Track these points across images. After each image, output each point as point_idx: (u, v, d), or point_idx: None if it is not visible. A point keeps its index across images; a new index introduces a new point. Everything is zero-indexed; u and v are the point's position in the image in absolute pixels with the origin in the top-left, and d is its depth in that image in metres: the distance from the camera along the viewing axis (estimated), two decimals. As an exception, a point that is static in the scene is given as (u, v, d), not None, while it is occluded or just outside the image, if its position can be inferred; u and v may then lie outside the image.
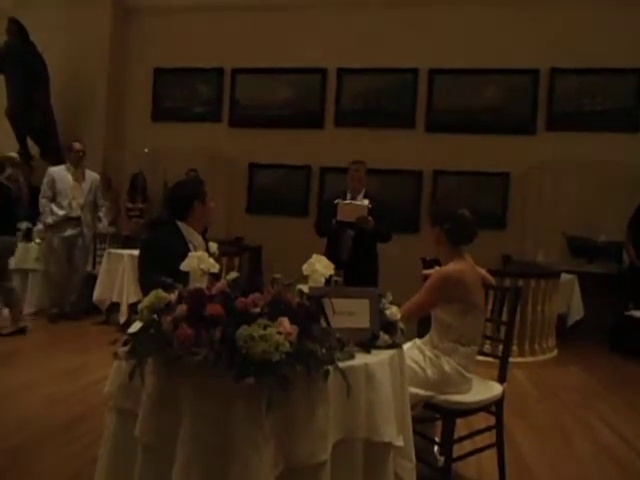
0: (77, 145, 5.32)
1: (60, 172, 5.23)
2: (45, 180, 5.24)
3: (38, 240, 5.54)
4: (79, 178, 5.29)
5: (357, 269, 3.69)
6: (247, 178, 6.87)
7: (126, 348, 1.44)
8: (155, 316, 1.46)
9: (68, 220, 5.20)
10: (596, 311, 5.45)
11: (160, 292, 1.52)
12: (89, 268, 5.59)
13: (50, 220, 5.17)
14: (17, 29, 6.43)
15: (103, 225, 5.58)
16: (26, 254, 5.53)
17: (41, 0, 6.79)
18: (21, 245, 5.57)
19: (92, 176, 5.44)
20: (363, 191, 4.11)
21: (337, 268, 1.87)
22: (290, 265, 2.08)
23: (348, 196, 4.08)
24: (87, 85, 6.86)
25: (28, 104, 6.46)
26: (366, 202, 3.93)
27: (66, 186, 5.19)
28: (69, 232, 5.22)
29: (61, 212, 5.16)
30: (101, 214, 5.51)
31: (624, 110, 5.99)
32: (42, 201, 5.21)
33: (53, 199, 5.18)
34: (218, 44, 6.81)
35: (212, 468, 1.34)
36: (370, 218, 3.85)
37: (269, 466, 1.32)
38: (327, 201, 4.42)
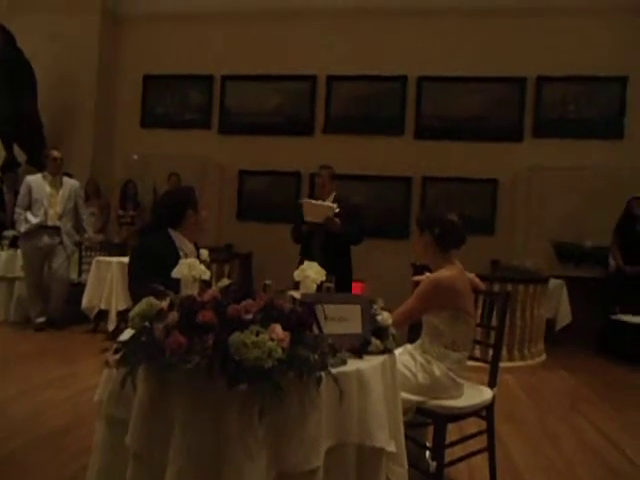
0: (55, 153, 5.18)
1: (37, 180, 5.13)
2: (22, 188, 5.16)
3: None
4: (57, 186, 5.17)
5: (328, 273, 3.69)
6: (237, 185, 6.87)
7: (117, 356, 1.44)
8: (147, 323, 1.46)
9: (44, 229, 5.06)
10: (583, 315, 5.52)
11: (152, 299, 1.51)
12: (74, 276, 5.51)
13: (23, 229, 5.06)
14: (4, 35, 6.37)
15: (89, 235, 5.48)
16: (12, 262, 5.45)
17: (31, 7, 6.77)
18: (7, 253, 5.52)
19: (70, 183, 5.28)
20: (332, 195, 4.12)
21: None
22: (280, 271, 2.08)
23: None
24: (76, 92, 6.83)
25: (15, 111, 6.40)
26: (328, 203, 3.94)
27: (42, 195, 5.07)
28: (46, 241, 5.08)
29: (35, 220, 5.03)
30: (84, 224, 5.37)
31: (608, 117, 6.09)
32: (17, 210, 5.12)
33: (29, 207, 5.07)
34: (208, 51, 6.82)
35: (205, 476, 1.33)
36: (337, 220, 3.86)
37: (262, 473, 1.32)
38: (298, 205, 4.33)
